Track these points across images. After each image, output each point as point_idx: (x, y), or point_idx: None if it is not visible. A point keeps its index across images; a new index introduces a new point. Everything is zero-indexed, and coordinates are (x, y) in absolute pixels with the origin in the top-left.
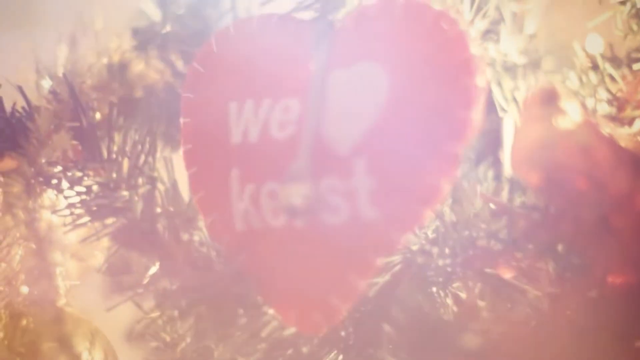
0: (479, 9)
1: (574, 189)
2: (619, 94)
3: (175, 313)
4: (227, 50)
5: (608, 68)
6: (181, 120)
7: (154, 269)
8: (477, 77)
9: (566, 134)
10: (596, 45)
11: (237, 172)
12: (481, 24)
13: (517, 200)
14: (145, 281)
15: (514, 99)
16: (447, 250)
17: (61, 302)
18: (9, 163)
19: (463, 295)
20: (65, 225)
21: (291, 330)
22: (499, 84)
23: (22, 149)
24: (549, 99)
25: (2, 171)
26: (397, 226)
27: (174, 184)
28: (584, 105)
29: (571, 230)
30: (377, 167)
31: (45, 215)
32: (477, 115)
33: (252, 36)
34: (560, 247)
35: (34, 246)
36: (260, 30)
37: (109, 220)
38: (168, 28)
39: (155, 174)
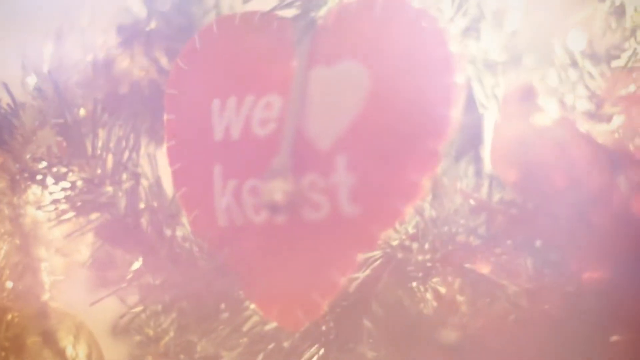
0: (459, 6)
1: (551, 186)
2: (597, 91)
3: (159, 308)
4: (210, 47)
5: (587, 65)
6: (165, 116)
7: (137, 264)
8: (457, 74)
9: (544, 130)
10: (578, 42)
11: (220, 168)
12: (462, 21)
13: (496, 197)
14: (129, 276)
15: (495, 96)
16: (426, 246)
17: (45, 296)
18: None
19: (442, 290)
20: (49, 220)
21: (272, 325)
22: (480, 81)
23: (6, 145)
24: (527, 96)
25: None
26: (377, 222)
27: (158, 180)
28: (562, 102)
29: (549, 226)
30: (357, 163)
31: (30, 210)
32: (456, 112)
33: (235, 33)
34: (538, 243)
35: (18, 241)
36: (243, 27)
37: (93, 216)
38: (153, 25)
39: (139, 170)
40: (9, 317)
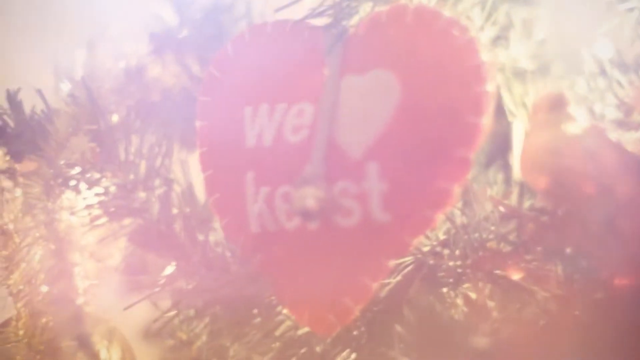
0: (489, 16)
1: (581, 193)
2: (626, 100)
3: (192, 312)
4: (242, 55)
5: (616, 74)
6: (197, 123)
7: (169, 269)
8: (488, 83)
9: (574, 138)
10: (607, 51)
11: (252, 174)
12: (491, 30)
13: (526, 204)
14: (162, 281)
15: (524, 104)
16: (457, 252)
17: (80, 301)
18: (28, 165)
19: (473, 295)
20: (83, 225)
21: (305, 329)
22: (509, 89)
23: (41, 151)
24: (558, 105)
25: (22, 173)
26: (409, 229)
27: (190, 186)
28: (592, 111)
29: (579, 233)
30: (388, 170)
31: (65, 215)
32: (487, 120)
33: (267, 42)
34: (568, 250)
35: (53, 246)
36: (274, 35)
37: (126, 221)
38: (184, 33)
39: (172, 176)
40: (44, 321)
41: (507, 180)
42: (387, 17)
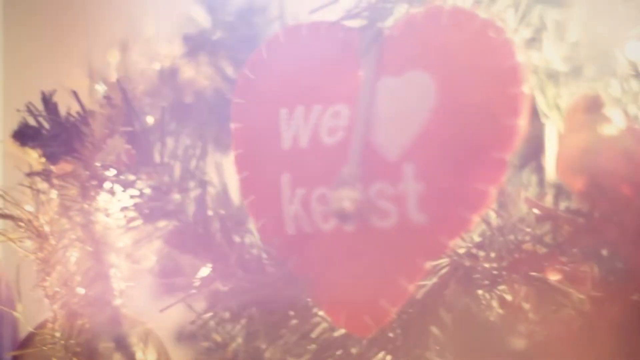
0: (522, 18)
1: (618, 194)
2: None
3: (227, 314)
4: (277, 57)
5: None
6: (232, 125)
7: (205, 271)
8: (524, 84)
9: (610, 140)
10: (638, 52)
11: (288, 176)
12: (525, 32)
13: (562, 205)
14: (197, 283)
15: (557, 106)
16: (493, 254)
17: (117, 302)
18: (64, 167)
19: (509, 297)
20: (119, 227)
21: (341, 331)
22: (542, 91)
23: (77, 152)
24: (594, 106)
25: (58, 175)
26: (446, 231)
27: (225, 188)
28: (626, 112)
29: (615, 234)
30: (425, 172)
31: (101, 217)
32: (523, 122)
33: (302, 43)
34: (604, 251)
35: (89, 248)
36: (309, 37)
37: (161, 223)
38: (218, 35)
39: (206, 178)
40: (80, 322)
41: (541, 182)
42: (423, 19)
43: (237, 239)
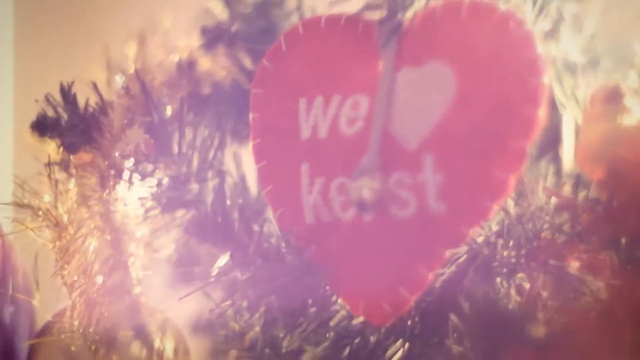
0: (540, 10)
1: (637, 183)
2: None
3: (245, 303)
4: (296, 48)
5: None
6: (250, 115)
7: (223, 260)
8: (544, 75)
9: (630, 130)
10: None
11: (307, 166)
12: (543, 24)
13: (580, 194)
14: (215, 272)
15: (574, 97)
16: (511, 243)
17: (135, 291)
18: (83, 157)
19: (527, 286)
20: (137, 217)
21: (359, 319)
22: (560, 82)
23: (95, 143)
24: (613, 97)
25: (77, 165)
26: (465, 220)
27: (243, 178)
28: None
29: (634, 223)
30: (444, 162)
31: (119, 207)
32: (543, 112)
33: (321, 35)
34: (623, 240)
35: (108, 237)
36: (328, 29)
37: (179, 213)
38: (235, 27)
39: (224, 168)
40: (99, 311)
41: (559, 172)
42: (442, 11)
43: (255, 228)
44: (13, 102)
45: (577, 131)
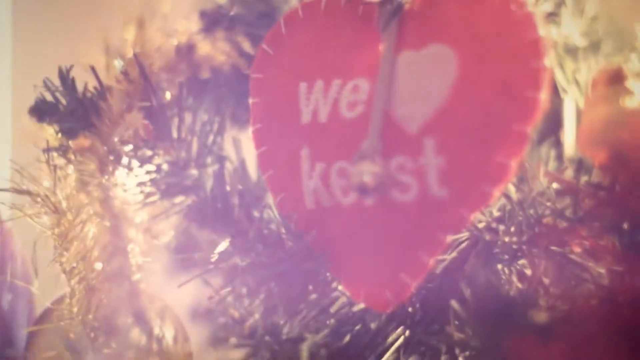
0: None
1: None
2: None
3: (244, 290)
4: (295, 32)
5: None
6: (250, 100)
7: (222, 247)
8: (545, 58)
9: (633, 113)
10: None
11: (307, 151)
12: (545, 6)
13: (582, 179)
14: (214, 258)
15: (576, 81)
16: (513, 228)
17: (135, 278)
18: (82, 142)
19: (528, 272)
20: (136, 203)
21: (360, 306)
22: (561, 66)
23: (94, 128)
24: (616, 79)
25: (76, 150)
26: (466, 204)
27: (242, 163)
28: None
29: (636, 207)
30: (445, 146)
31: (118, 193)
32: (544, 95)
33: (321, 18)
34: (625, 225)
35: (107, 223)
36: (328, 12)
37: (179, 199)
38: (234, 10)
39: (224, 153)
40: (98, 298)
41: (560, 156)
42: None
43: (255, 213)
44: (11, 87)
45: (579, 115)
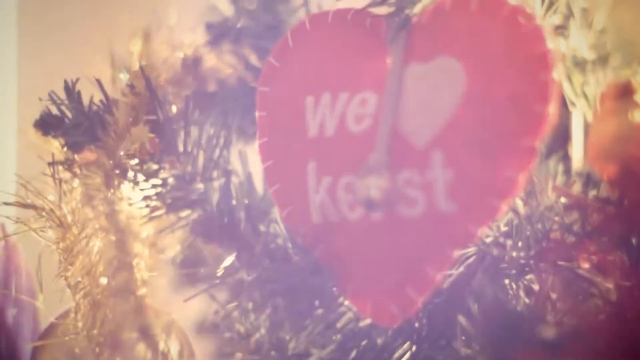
0: (550, 5)
1: None
2: None
3: (250, 305)
4: (302, 44)
5: None
6: (257, 113)
7: (228, 261)
8: (554, 71)
9: None
10: None
11: (314, 165)
12: (553, 19)
13: (590, 193)
14: (220, 273)
15: (584, 94)
16: (520, 243)
17: (141, 293)
18: (87, 156)
19: (536, 287)
20: (142, 217)
21: (366, 321)
22: (569, 79)
23: (100, 141)
24: (625, 93)
25: (81, 164)
26: (474, 219)
27: (249, 177)
28: None
29: None
30: (453, 160)
31: (124, 207)
32: (553, 109)
33: (328, 31)
34: (633, 240)
35: (113, 237)
36: (336, 25)
37: (185, 213)
38: (241, 23)
39: (230, 167)
40: (104, 312)
41: (568, 171)
42: (451, 5)
43: (262, 228)
44: (16, 100)
45: (587, 128)
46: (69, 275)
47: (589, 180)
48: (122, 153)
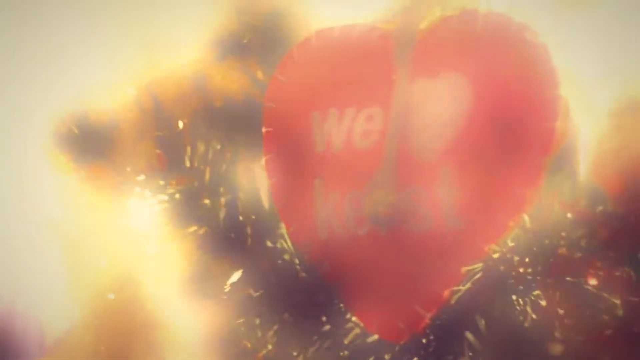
0: (555, 21)
1: None
2: None
3: (257, 320)
4: (309, 59)
5: None
6: (263, 129)
7: (235, 277)
8: (560, 87)
9: None
10: None
11: (321, 180)
12: (559, 35)
13: (597, 209)
14: (228, 289)
15: (590, 110)
16: (527, 259)
17: (148, 308)
18: (95, 171)
19: (543, 303)
20: (149, 232)
21: (374, 337)
22: (576, 94)
23: (108, 157)
24: (631, 108)
25: (90, 179)
26: (483, 235)
27: (256, 193)
28: None
29: None
30: (462, 176)
31: (132, 222)
32: (560, 125)
33: (334, 46)
34: None
35: (120, 253)
36: (342, 40)
37: (192, 228)
38: (247, 38)
39: (237, 183)
40: (111, 328)
41: (575, 186)
42: (458, 22)
43: (269, 244)
44: (26, 116)
45: (594, 144)
46: (77, 290)
47: (596, 196)
48: (129, 169)
